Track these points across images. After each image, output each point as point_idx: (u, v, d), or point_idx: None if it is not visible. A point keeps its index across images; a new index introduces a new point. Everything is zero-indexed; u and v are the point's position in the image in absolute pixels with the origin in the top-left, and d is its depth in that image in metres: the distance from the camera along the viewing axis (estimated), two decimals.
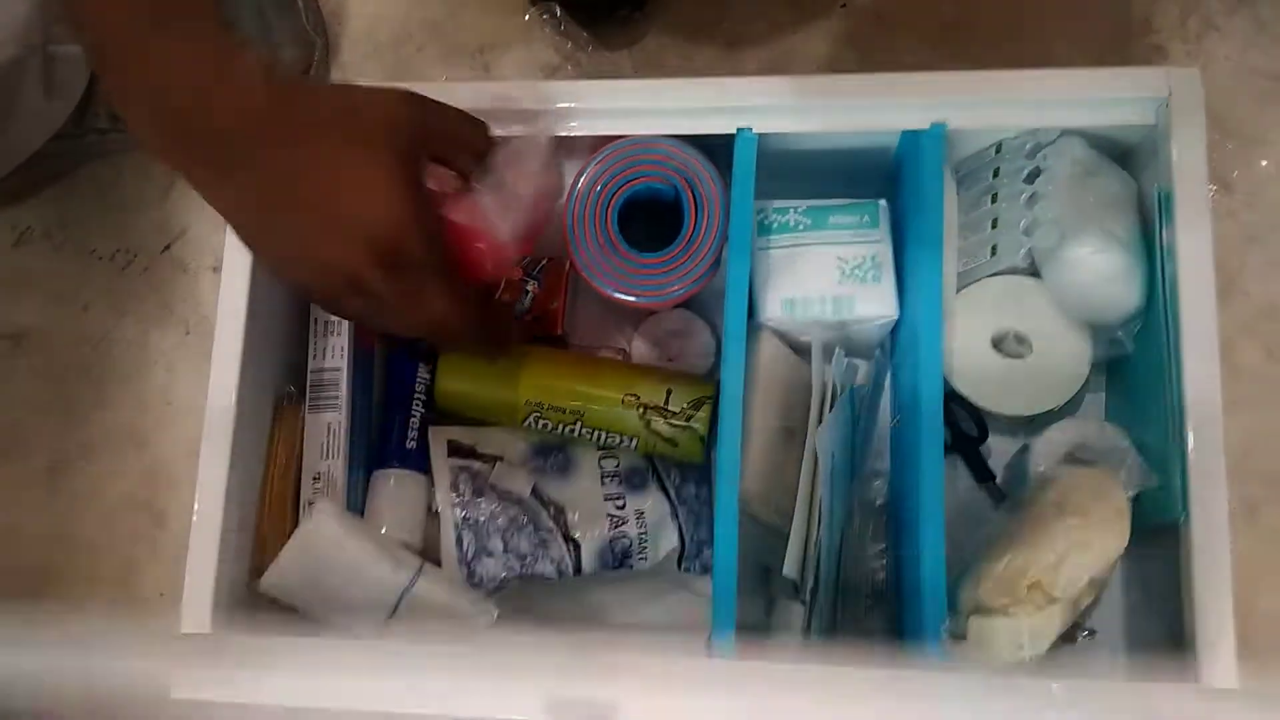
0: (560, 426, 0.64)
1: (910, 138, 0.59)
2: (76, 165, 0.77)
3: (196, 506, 0.56)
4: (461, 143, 0.50)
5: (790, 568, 0.58)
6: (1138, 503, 0.53)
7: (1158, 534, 0.53)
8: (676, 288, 0.60)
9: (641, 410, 0.63)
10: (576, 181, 0.60)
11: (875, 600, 0.62)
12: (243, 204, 0.46)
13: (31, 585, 0.72)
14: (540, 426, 0.64)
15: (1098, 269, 0.56)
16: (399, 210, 0.45)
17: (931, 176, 0.57)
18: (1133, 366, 0.60)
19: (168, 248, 0.77)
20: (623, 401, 0.63)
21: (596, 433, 0.64)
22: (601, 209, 0.60)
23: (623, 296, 0.60)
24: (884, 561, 0.62)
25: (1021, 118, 0.58)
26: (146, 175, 0.77)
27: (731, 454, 0.55)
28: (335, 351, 0.64)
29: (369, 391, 0.66)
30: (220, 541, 0.56)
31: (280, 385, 0.64)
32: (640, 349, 0.69)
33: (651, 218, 0.62)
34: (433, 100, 0.48)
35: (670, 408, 0.63)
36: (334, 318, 0.64)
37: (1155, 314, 0.56)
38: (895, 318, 0.60)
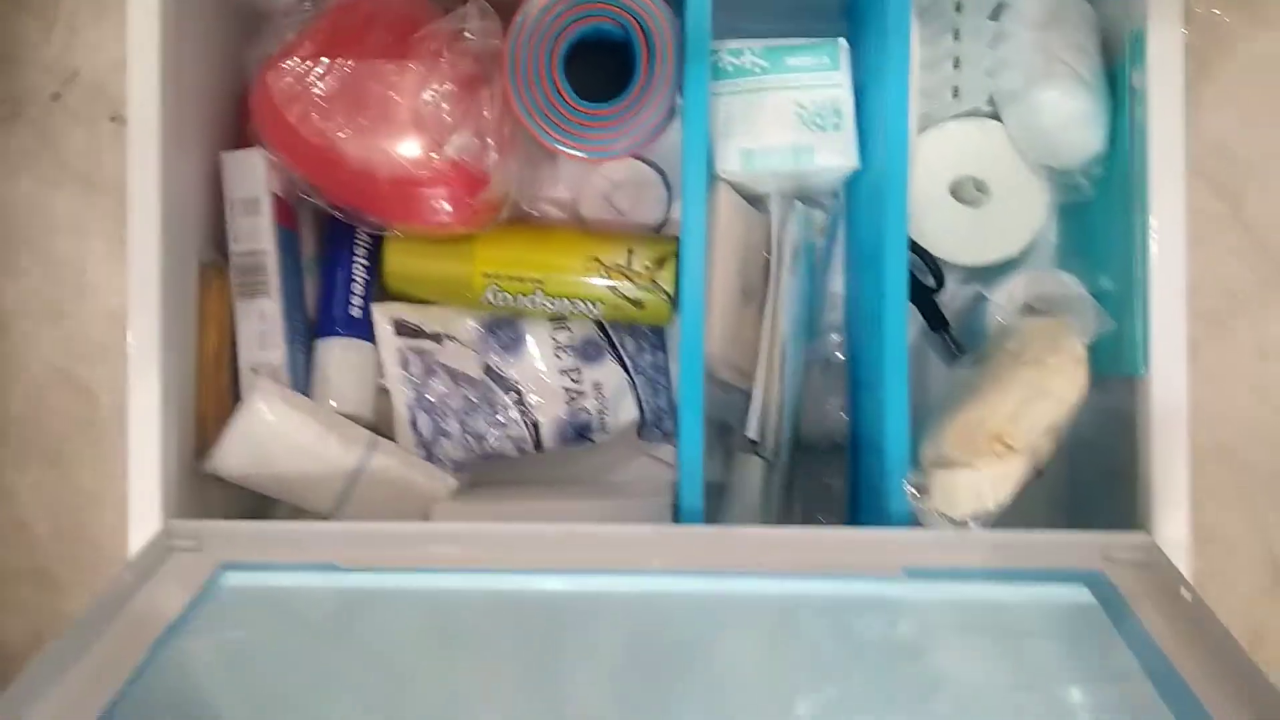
0: (519, 298, 0.61)
1: None
2: None
3: (131, 385, 0.53)
4: None
5: (752, 429, 0.58)
6: (1094, 355, 0.53)
7: (1106, 380, 0.54)
8: (628, 141, 0.56)
9: (604, 273, 0.61)
10: (516, 21, 0.55)
11: (833, 454, 0.62)
12: None
13: None
14: (498, 300, 0.61)
15: (1064, 113, 0.55)
16: None
17: (898, 9, 0.53)
18: (1090, 212, 0.59)
19: (57, 96, 0.69)
20: (585, 266, 0.61)
21: (558, 301, 0.61)
22: (545, 53, 0.55)
23: (570, 151, 0.56)
24: (842, 415, 0.62)
25: None
26: (24, 10, 0.69)
27: (695, 319, 0.53)
28: (259, 233, 0.60)
29: (298, 271, 0.62)
30: (162, 425, 0.53)
31: (203, 252, 0.59)
32: (588, 202, 0.66)
33: (597, 63, 0.57)
34: None
35: (634, 268, 0.61)
36: (251, 195, 0.59)
37: (1117, 158, 0.55)
38: (857, 168, 0.58)
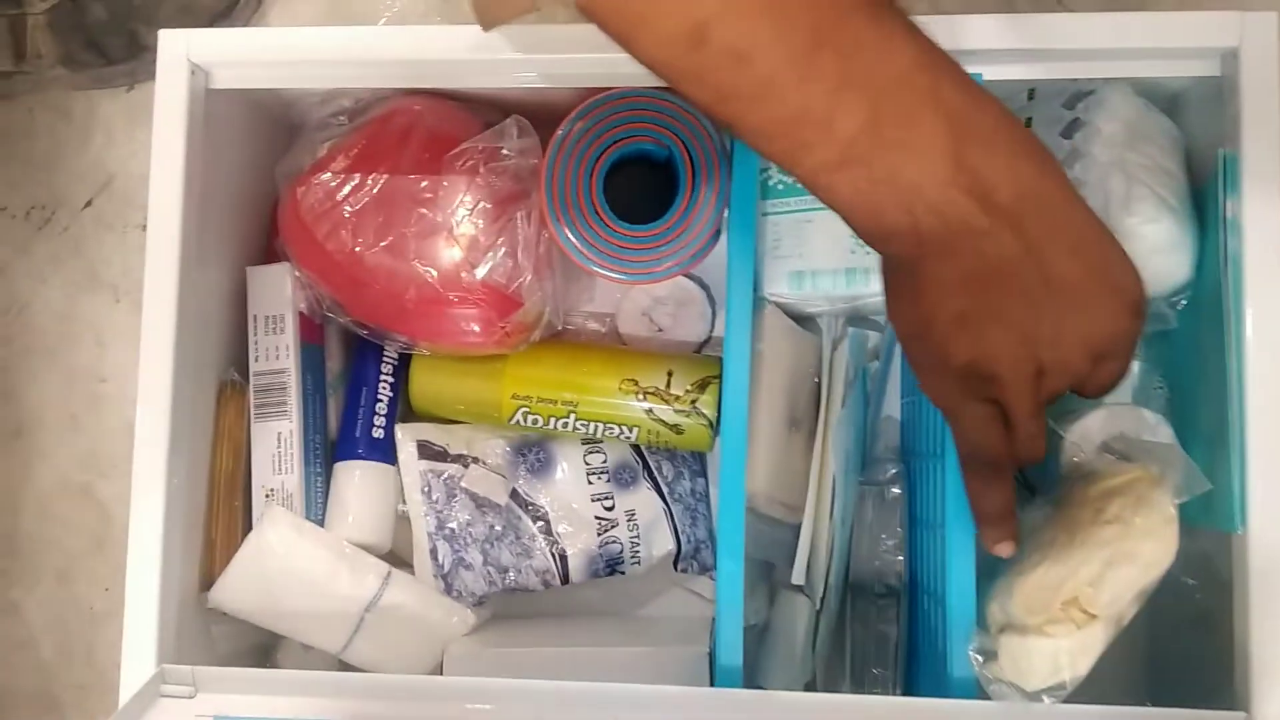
0: (551, 421, 0.57)
1: None
2: None
3: (134, 508, 0.50)
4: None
5: (799, 574, 0.53)
6: (1184, 506, 0.48)
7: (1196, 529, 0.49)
8: (670, 264, 0.53)
9: (641, 396, 0.57)
10: (556, 139, 0.53)
11: (888, 598, 0.57)
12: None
13: None
14: (529, 423, 0.58)
15: (1147, 239, 0.50)
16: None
17: None
18: (1175, 344, 0.54)
19: (89, 203, 0.68)
20: (620, 388, 0.57)
21: (592, 425, 0.57)
22: (585, 173, 0.52)
23: (610, 275, 0.53)
24: (898, 556, 0.57)
25: (1065, 69, 0.50)
26: (62, 118, 0.68)
27: (737, 455, 0.49)
28: (281, 351, 0.57)
29: (322, 389, 0.60)
30: (162, 556, 0.49)
31: (222, 369, 0.57)
32: (627, 319, 0.63)
33: (638, 177, 0.54)
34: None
35: (673, 391, 0.57)
36: (275, 312, 0.57)
37: (1205, 286, 0.50)
38: None
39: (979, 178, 0.34)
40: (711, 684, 0.51)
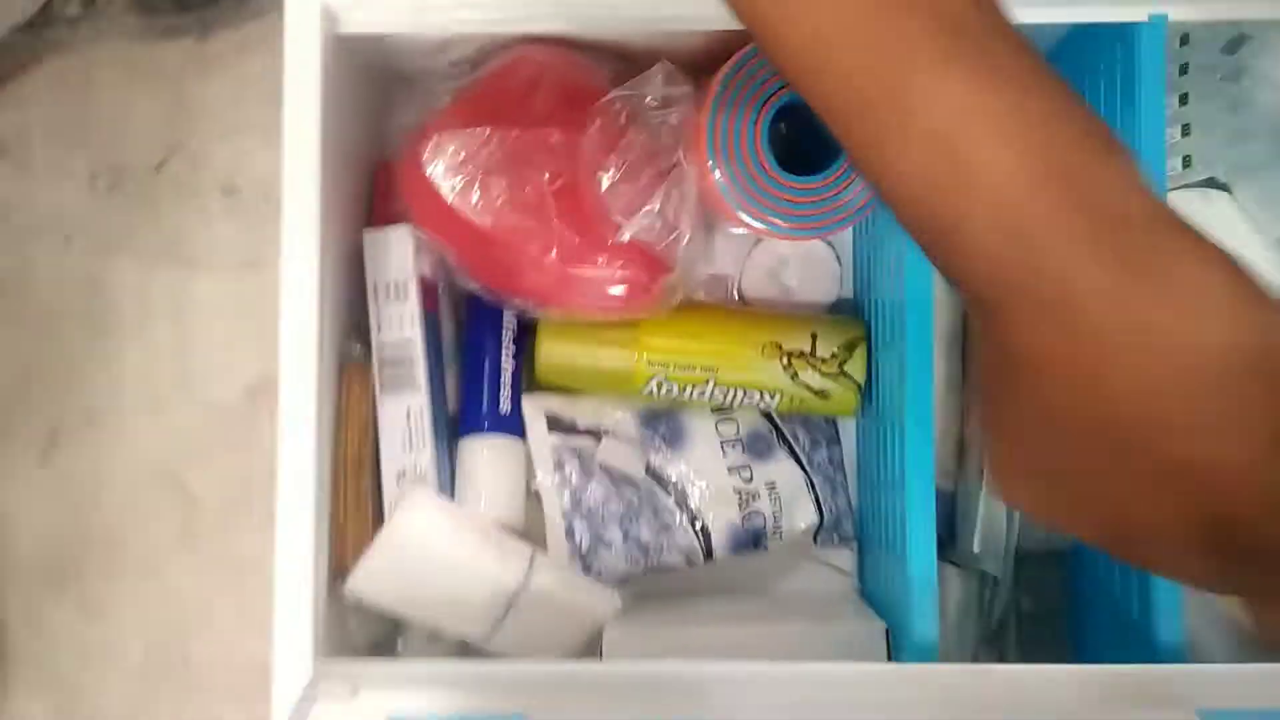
0: (688, 389, 0.54)
1: (1116, 33, 0.49)
2: (37, 62, 0.62)
3: (280, 498, 0.46)
4: None
5: (977, 539, 0.51)
6: None
7: None
8: (839, 216, 0.50)
9: (785, 360, 0.54)
10: (715, 88, 0.49)
11: (1048, 564, 0.55)
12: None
13: (38, 585, 0.61)
14: (663, 392, 0.54)
15: None
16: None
17: (1151, 82, 0.47)
18: None
19: (162, 165, 0.63)
20: (763, 353, 0.54)
21: (731, 393, 0.54)
22: (749, 123, 0.49)
23: (769, 227, 0.50)
24: None
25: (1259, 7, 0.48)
26: (130, 71, 0.63)
27: (924, 403, 0.47)
28: (406, 319, 0.53)
29: (440, 362, 0.56)
30: (314, 541, 0.45)
31: (342, 343, 0.53)
32: (753, 281, 0.60)
33: (804, 134, 0.51)
34: None
35: (819, 355, 0.54)
36: (398, 279, 0.53)
37: None
38: None
39: None
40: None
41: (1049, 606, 0.54)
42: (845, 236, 0.60)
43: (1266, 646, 0.32)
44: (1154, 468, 0.28)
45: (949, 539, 0.55)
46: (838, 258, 0.60)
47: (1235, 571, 0.29)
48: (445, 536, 0.50)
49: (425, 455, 0.52)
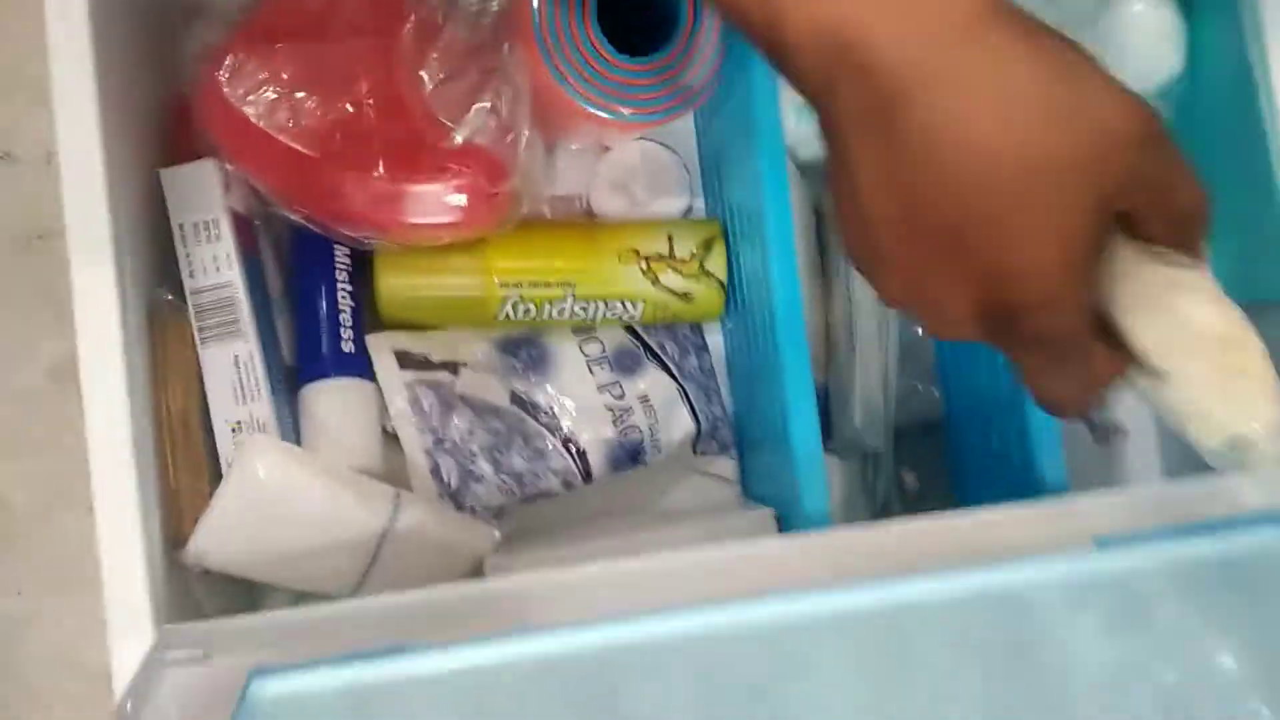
0: (546, 308, 0.51)
1: None
2: None
3: (95, 465, 0.40)
4: (1167, 207, 0.33)
5: (858, 415, 0.50)
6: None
7: None
8: (679, 98, 0.48)
9: (645, 265, 0.52)
10: None
11: (920, 439, 0.54)
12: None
13: None
14: (519, 314, 0.51)
15: (1148, 28, 0.50)
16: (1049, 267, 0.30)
17: None
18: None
19: None
20: (620, 258, 0.51)
21: (592, 306, 0.52)
22: (576, 4, 0.46)
23: (613, 116, 0.47)
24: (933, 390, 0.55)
25: None
26: None
27: (791, 287, 0.45)
28: (220, 261, 0.48)
29: (268, 306, 0.51)
30: (140, 507, 0.40)
31: (154, 296, 0.47)
32: (602, 196, 0.57)
33: (627, 17, 0.49)
34: (1169, 140, 0.31)
35: (677, 255, 0.52)
36: (206, 217, 0.48)
37: (1200, 83, 0.51)
38: None
39: None
40: None
41: (931, 479, 0.53)
42: (690, 144, 0.59)
43: (1039, 405, 0.35)
44: (950, 255, 0.30)
45: (825, 431, 0.54)
46: (684, 165, 0.58)
47: (1007, 345, 0.33)
48: (294, 484, 0.45)
49: (262, 405, 0.47)
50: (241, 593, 0.48)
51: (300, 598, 0.49)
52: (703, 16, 0.47)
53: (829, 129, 0.31)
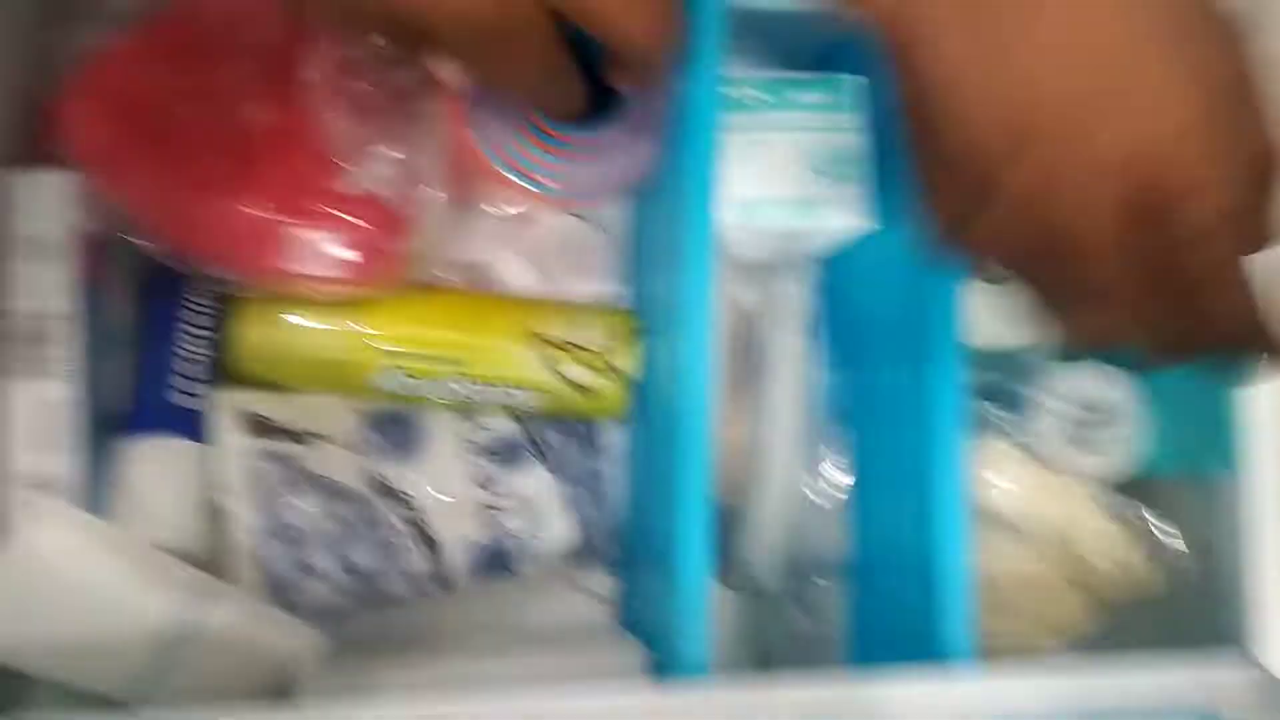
0: (428, 385, 0.45)
1: None
2: None
3: None
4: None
5: (753, 550, 0.44)
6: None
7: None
8: (605, 183, 0.43)
9: (546, 351, 0.46)
10: None
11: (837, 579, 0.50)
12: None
13: None
14: (397, 387, 0.45)
15: None
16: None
17: None
18: None
19: None
20: (520, 342, 0.46)
21: (481, 389, 0.46)
22: None
23: (532, 186, 0.42)
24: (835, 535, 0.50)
25: None
26: None
27: (699, 397, 0.40)
28: (49, 286, 0.41)
29: (111, 340, 0.44)
30: None
31: None
32: (511, 269, 0.51)
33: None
34: None
35: (584, 345, 0.47)
36: (47, 234, 0.41)
37: None
38: (869, 229, 0.47)
39: None
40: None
41: (829, 628, 0.48)
42: (620, 226, 0.54)
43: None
44: (1081, 140, 0.28)
45: (724, 561, 0.48)
46: (610, 248, 0.53)
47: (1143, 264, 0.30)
48: (86, 562, 0.38)
49: (60, 459, 0.40)
50: (10, 683, 0.40)
51: (77, 693, 0.40)
52: (646, 98, 0.43)
53: (905, 44, 0.30)
